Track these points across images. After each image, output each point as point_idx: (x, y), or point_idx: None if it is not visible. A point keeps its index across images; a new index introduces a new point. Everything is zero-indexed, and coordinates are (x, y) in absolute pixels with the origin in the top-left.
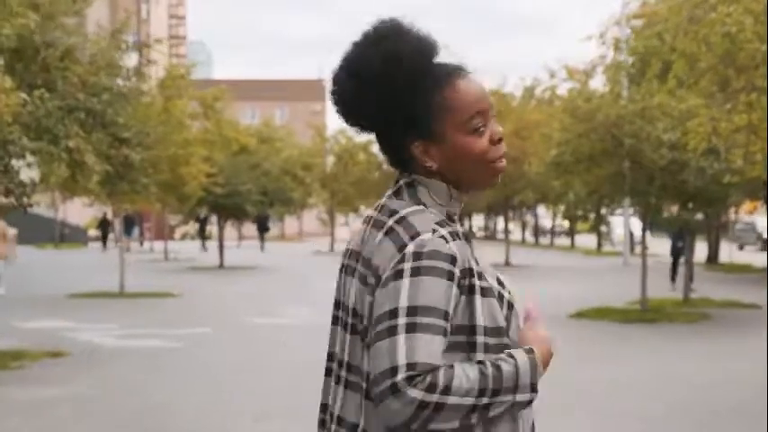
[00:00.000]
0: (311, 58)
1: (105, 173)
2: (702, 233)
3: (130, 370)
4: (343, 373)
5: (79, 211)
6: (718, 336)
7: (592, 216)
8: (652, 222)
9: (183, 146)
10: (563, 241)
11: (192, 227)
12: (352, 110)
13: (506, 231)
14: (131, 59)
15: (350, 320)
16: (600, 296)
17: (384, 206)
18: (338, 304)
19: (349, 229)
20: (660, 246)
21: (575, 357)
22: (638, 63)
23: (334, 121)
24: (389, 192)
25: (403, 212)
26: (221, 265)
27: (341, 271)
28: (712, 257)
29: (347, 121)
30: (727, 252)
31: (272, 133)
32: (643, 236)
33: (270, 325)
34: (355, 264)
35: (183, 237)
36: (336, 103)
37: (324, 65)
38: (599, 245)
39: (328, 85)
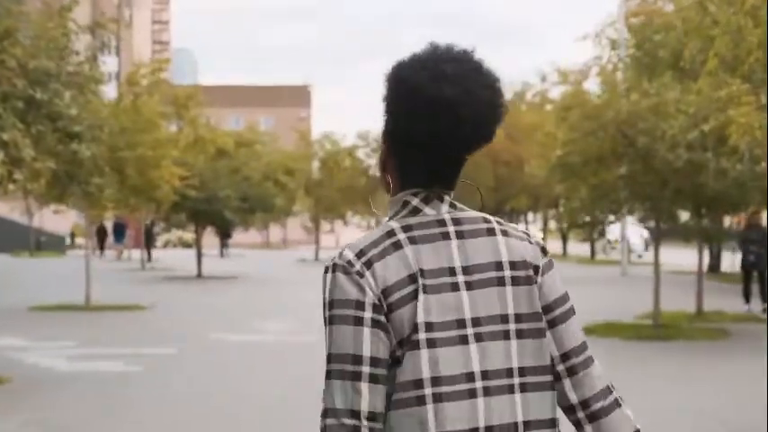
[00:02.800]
0: (297, 64)
1: (52, 172)
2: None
3: (77, 402)
4: (518, 380)
5: (58, 219)
6: (742, 355)
7: (605, 222)
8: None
9: (154, 147)
10: (554, 248)
11: (174, 234)
12: (479, 131)
13: None
14: (82, 43)
15: (514, 327)
16: (604, 309)
17: (465, 218)
18: (468, 321)
19: (335, 236)
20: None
21: None
22: (647, 58)
23: (319, 127)
24: (444, 208)
25: (496, 219)
26: (199, 275)
27: (452, 288)
28: (714, 267)
29: (470, 142)
30: (729, 261)
31: (253, 137)
32: (656, 244)
33: (245, 343)
34: (501, 273)
35: (166, 244)
36: (473, 122)
37: (310, 71)
38: (592, 253)
39: (494, 100)
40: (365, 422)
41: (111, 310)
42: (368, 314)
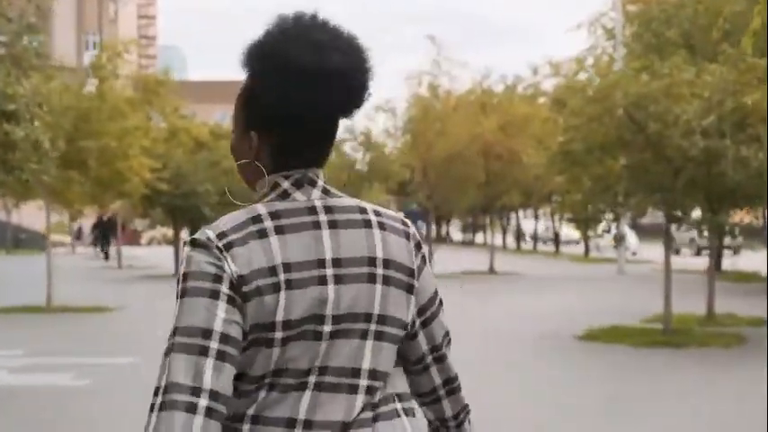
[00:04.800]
0: None
1: None
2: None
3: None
4: (366, 383)
5: (38, 215)
6: (763, 363)
7: (607, 218)
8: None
9: (120, 136)
10: (546, 247)
11: (159, 231)
12: (362, 100)
13: (492, 236)
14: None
15: (374, 327)
16: (605, 310)
17: (339, 206)
18: (329, 318)
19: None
20: (652, 251)
21: (600, 401)
22: (654, 38)
23: None
24: (316, 193)
25: (373, 206)
26: (176, 273)
27: (319, 281)
28: (714, 265)
29: (351, 112)
30: (730, 259)
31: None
32: (666, 241)
33: None
34: (372, 269)
35: (150, 242)
36: (361, 92)
37: None
38: (586, 251)
39: (356, 75)
40: (205, 401)
41: (74, 312)
42: (225, 288)
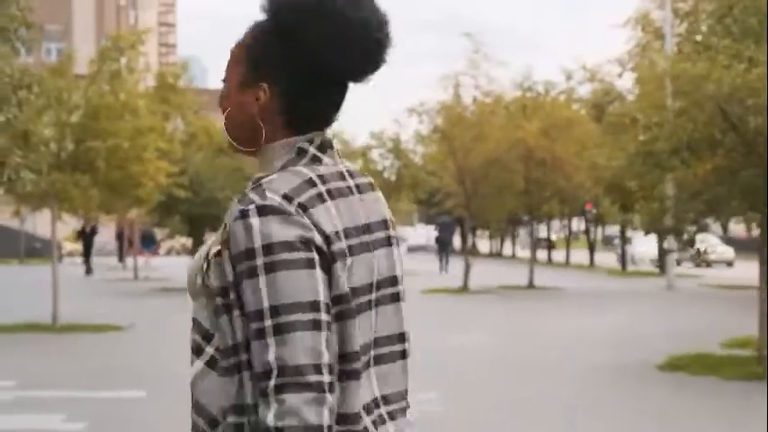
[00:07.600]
0: None
1: None
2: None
3: None
4: (406, 345)
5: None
6: None
7: (689, 230)
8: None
9: (132, 136)
10: (580, 259)
11: (178, 241)
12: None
13: (533, 248)
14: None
15: (401, 288)
16: (672, 333)
17: (354, 170)
18: (374, 285)
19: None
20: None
21: None
22: (735, 25)
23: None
24: (336, 156)
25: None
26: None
27: (384, 245)
28: None
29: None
30: None
31: None
32: (762, 255)
33: None
34: (388, 232)
35: (169, 252)
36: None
37: None
38: (623, 264)
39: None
40: (327, 377)
41: (80, 331)
42: (316, 255)
